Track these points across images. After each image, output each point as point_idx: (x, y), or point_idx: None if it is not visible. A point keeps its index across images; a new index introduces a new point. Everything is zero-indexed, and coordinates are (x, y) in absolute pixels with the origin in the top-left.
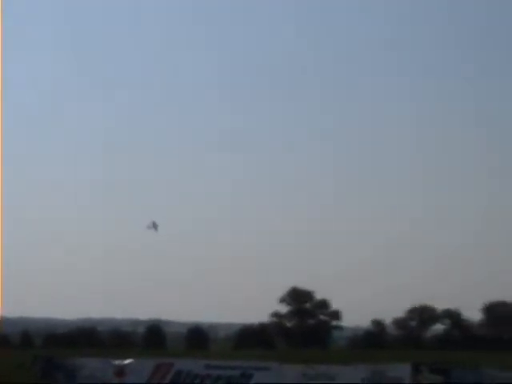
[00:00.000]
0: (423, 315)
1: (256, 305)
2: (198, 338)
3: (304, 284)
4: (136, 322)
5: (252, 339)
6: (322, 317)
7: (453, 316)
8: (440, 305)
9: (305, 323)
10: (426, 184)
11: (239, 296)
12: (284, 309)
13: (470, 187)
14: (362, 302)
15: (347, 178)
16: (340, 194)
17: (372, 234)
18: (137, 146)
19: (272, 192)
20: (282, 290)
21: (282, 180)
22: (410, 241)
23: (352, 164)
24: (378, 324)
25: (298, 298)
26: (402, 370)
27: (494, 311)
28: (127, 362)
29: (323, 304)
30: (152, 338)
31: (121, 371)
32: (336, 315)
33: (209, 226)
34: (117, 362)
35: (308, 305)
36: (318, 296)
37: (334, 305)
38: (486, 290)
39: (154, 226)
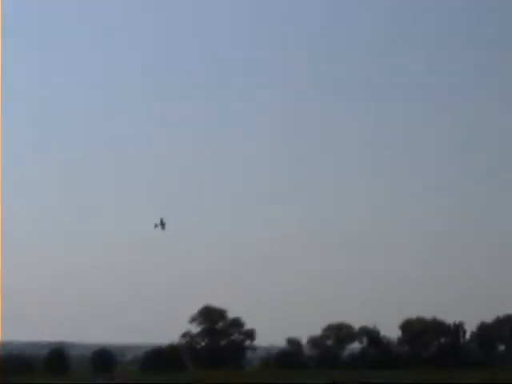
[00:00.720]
0: (340, 333)
1: (167, 325)
2: (103, 360)
3: (217, 302)
4: (39, 345)
5: (161, 361)
6: (235, 336)
7: (370, 334)
8: (357, 322)
9: (217, 343)
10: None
11: (149, 316)
12: (195, 329)
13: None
14: (276, 319)
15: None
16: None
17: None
18: None
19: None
20: (194, 309)
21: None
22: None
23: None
24: (293, 343)
25: (209, 317)
26: None
27: (411, 328)
28: None
29: (236, 323)
30: (55, 361)
31: None
32: (250, 334)
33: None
34: None
35: (220, 324)
36: (231, 314)
37: (248, 323)
38: (404, 306)
39: (162, 224)
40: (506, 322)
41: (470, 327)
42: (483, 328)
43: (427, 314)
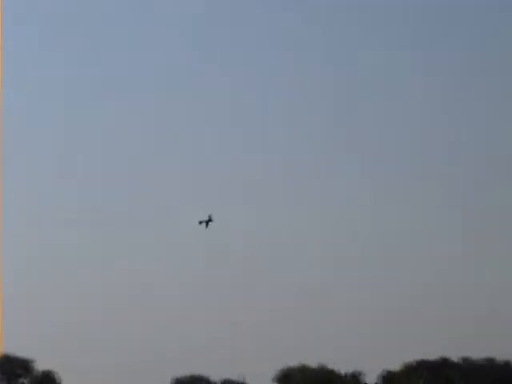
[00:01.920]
0: None
1: None
2: None
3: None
4: None
5: None
6: None
7: None
8: None
9: None
10: None
11: None
12: None
13: None
14: None
15: None
16: None
17: None
18: None
19: None
20: None
21: None
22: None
23: None
24: None
25: (10, 368)
26: None
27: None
28: None
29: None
30: None
31: None
32: None
33: None
34: None
35: (24, 381)
36: (41, 366)
37: None
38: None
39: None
40: (415, 369)
41: (371, 378)
42: (387, 378)
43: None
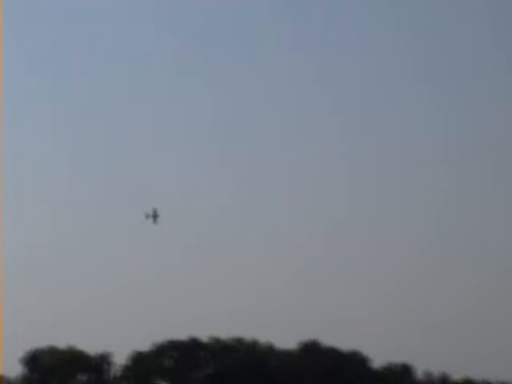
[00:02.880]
0: None
1: None
2: None
3: None
4: None
5: None
6: None
7: None
8: None
9: None
10: None
11: None
12: None
13: None
14: None
15: None
16: None
17: None
18: None
19: None
20: None
21: None
22: None
23: None
24: None
25: None
26: None
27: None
28: None
29: None
30: None
31: None
32: None
33: None
34: None
35: None
36: None
37: None
38: None
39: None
40: (165, 349)
41: (120, 358)
42: (136, 358)
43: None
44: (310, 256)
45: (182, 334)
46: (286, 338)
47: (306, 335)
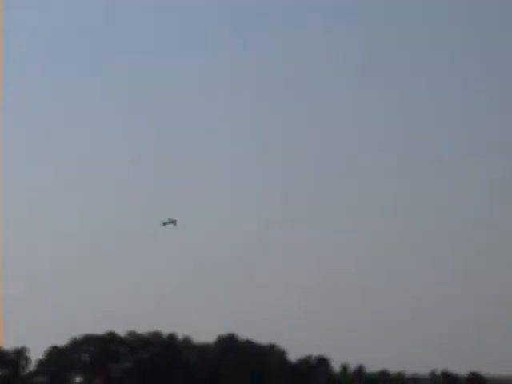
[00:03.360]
0: None
1: None
2: None
3: None
4: None
5: None
6: None
7: None
8: None
9: None
10: None
11: None
12: None
13: None
14: None
15: None
16: None
17: None
18: None
19: None
20: None
21: None
22: None
23: None
24: None
25: None
26: None
27: None
28: None
29: None
30: None
31: None
32: None
33: None
34: None
35: None
36: None
37: None
38: None
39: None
40: (82, 343)
41: (37, 353)
42: (54, 353)
43: None
44: (225, 253)
45: (99, 329)
46: (204, 332)
47: (225, 329)
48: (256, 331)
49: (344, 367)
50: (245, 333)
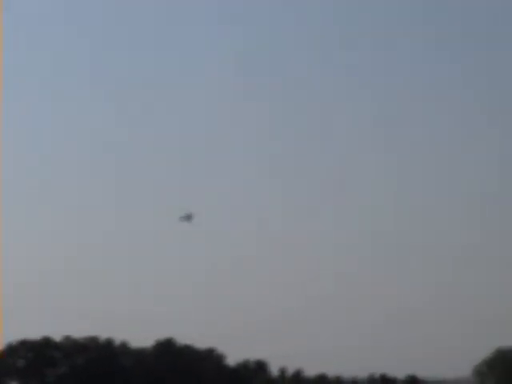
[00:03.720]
0: None
1: None
2: None
3: None
4: None
5: None
6: None
7: None
8: None
9: None
10: None
11: None
12: None
13: None
14: None
15: None
16: None
17: None
18: None
19: None
20: None
21: None
22: None
23: None
24: None
25: None
26: None
27: None
28: None
29: None
30: None
31: None
32: None
33: None
34: None
35: None
36: None
37: None
38: None
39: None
40: (19, 350)
41: None
42: None
43: None
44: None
45: (34, 334)
46: (141, 337)
47: (162, 334)
48: (194, 335)
49: (282, 371)
50: (183, 337)
